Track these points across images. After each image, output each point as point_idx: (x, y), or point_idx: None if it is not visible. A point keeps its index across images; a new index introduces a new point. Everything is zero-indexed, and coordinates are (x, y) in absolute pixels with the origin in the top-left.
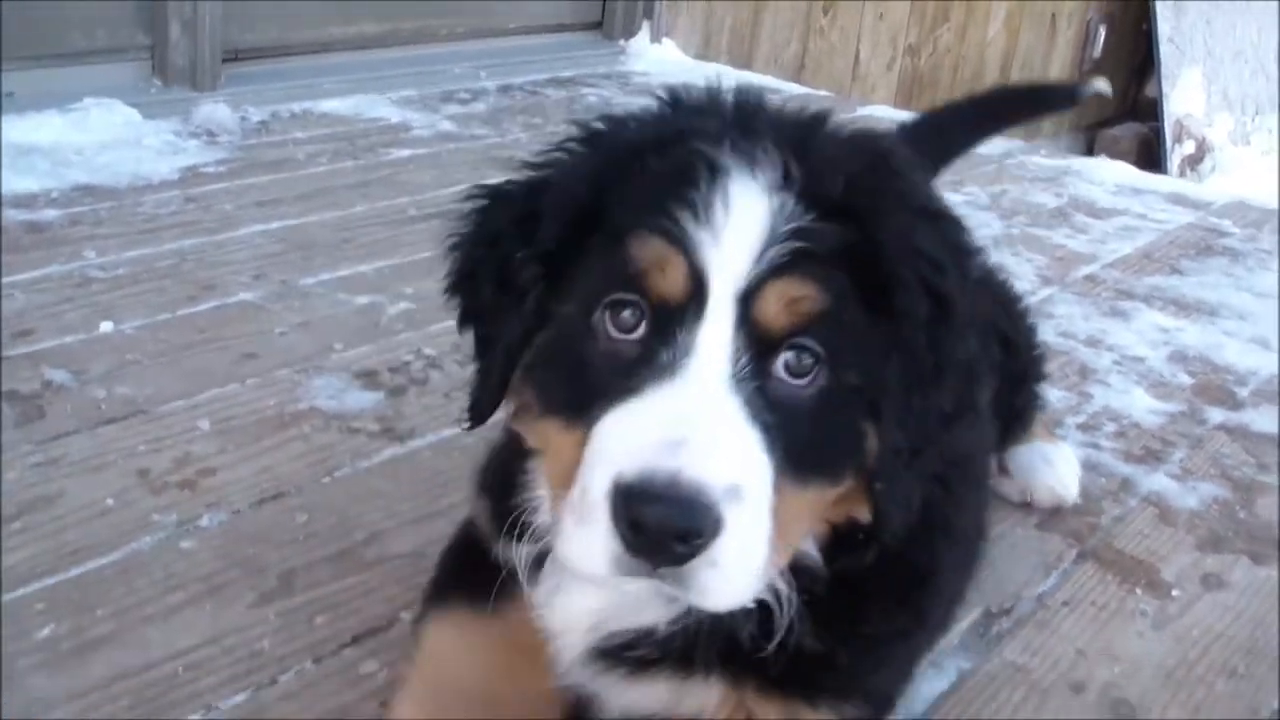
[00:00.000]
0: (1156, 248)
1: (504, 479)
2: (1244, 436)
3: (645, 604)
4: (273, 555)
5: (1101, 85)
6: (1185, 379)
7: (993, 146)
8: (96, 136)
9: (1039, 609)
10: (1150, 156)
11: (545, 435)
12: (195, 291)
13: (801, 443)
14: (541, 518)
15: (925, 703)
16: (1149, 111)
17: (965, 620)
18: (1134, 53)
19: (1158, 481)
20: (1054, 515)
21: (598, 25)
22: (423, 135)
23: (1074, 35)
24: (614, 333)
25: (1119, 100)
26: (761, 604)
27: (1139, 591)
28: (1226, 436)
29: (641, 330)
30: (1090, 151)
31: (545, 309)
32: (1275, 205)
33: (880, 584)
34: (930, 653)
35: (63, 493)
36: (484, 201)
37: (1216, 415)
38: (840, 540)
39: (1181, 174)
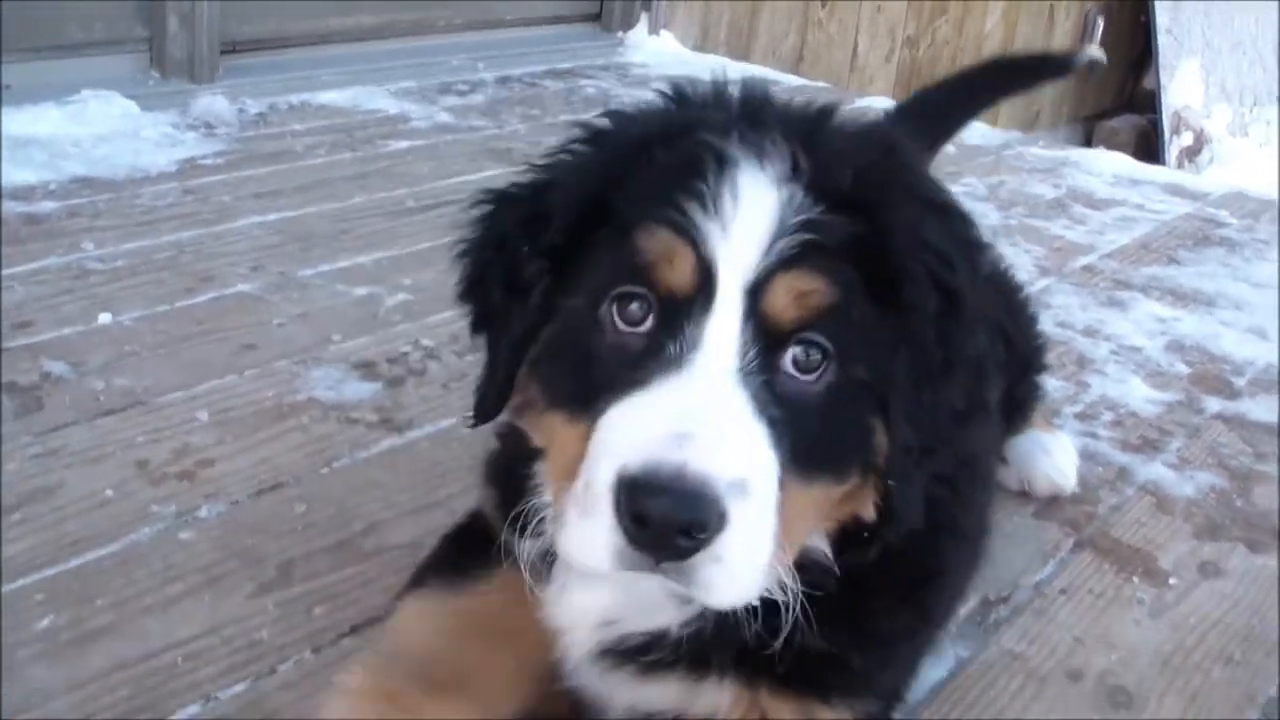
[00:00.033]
0: (1154, 238)
1: (509, 477)
2: (1241, 425)
3: (657, 606)
4: (271, 546)
5: (1095, 53)
6: (1182, 368)
7: (990, 138)
8: (94, 129)
9: (1036, 597)
10: (1148, 148)
11: (549, 429)
12: (193, 283)
13: (809, 439)
14: (548, 521)
15: (924, 690)
16: (1147, 103)
17: (963, 609)
18: (1132, 44)
19: (1155, 470)
20: (1051, 504)
21: (596, 17)
22: (421, 127)
23: (1072, 27)
24: (621, 325)
25: (1117, 92)
26: (768, 601)
27: (1136, 580)
28: (1223, 426)
29: (649, 323)
30: (1088, 143)
31: (551, 304)
32: (1272, 196)
33: (887, 582)
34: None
35: (62, 484)
36: (490, 205)
37: (1214, 404)
38: (845, 538)
39: (1180, 165)
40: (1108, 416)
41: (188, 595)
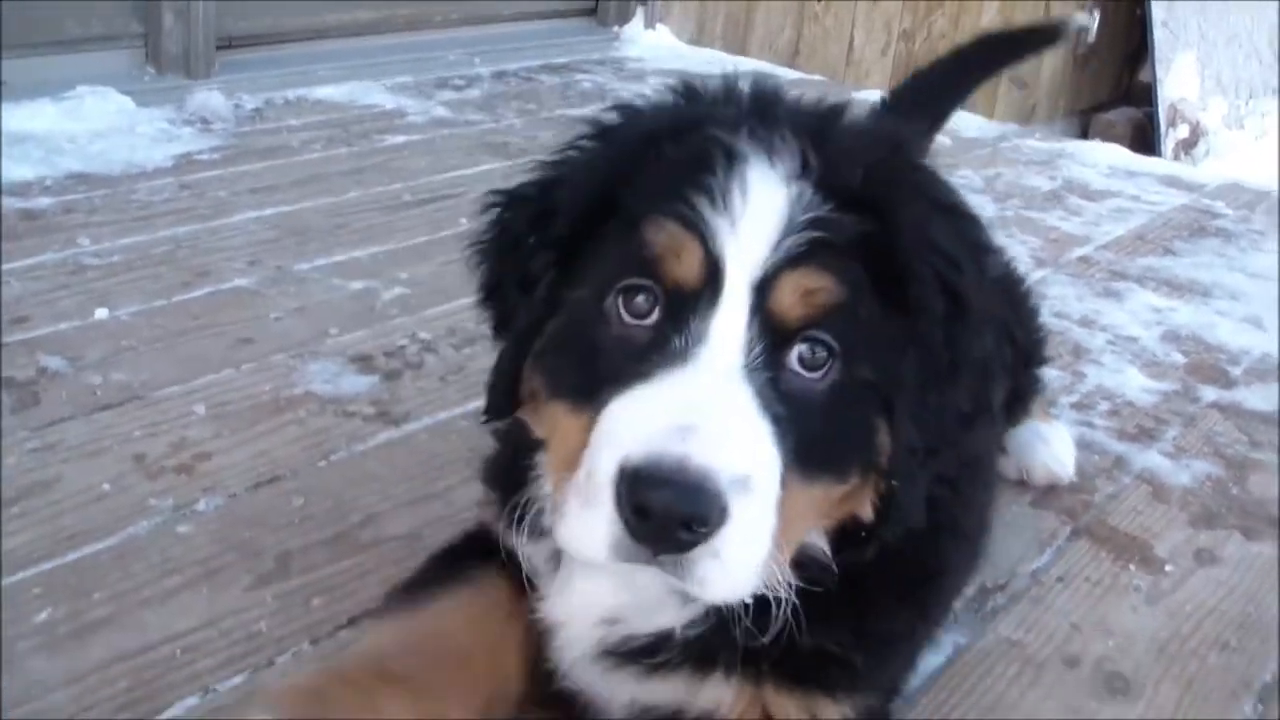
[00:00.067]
0: (1150, 229)
1: (509, 469)
2: (1236, 414)
3: (660, 605)
4: (269, 538)
5: (1083, 19)
6: (1178, 358)
7: (987, 130)
8: (90, 124)
9: (1033, 585)
10: (1145, 141)
11: (551, 419)
12: (190, 278)
13: (812, 437)
14: (548, 512)
15: (922, 678)
16: (1143, 96)
17: (961, 596)
18: (1128, 38)
19: (1151, 459)
20: (1048, 493)
21: (591, 12)
22: (417, 121)
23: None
24: (626, 318)
25: (1113, 86)
26: (765, 599)
27: (1132, 567)
28: (1219, 414)
29: (654, 316)
30: (1085, 136)
31: (557, 296)
32: (1268, 187)
33: (887, 581)
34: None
35: (59, 478)
36: (502, 207)
37: (1209, 394)
38: (843, 536)
39: (1176, 158)
40: (1104, 406)
41: (186, 588)
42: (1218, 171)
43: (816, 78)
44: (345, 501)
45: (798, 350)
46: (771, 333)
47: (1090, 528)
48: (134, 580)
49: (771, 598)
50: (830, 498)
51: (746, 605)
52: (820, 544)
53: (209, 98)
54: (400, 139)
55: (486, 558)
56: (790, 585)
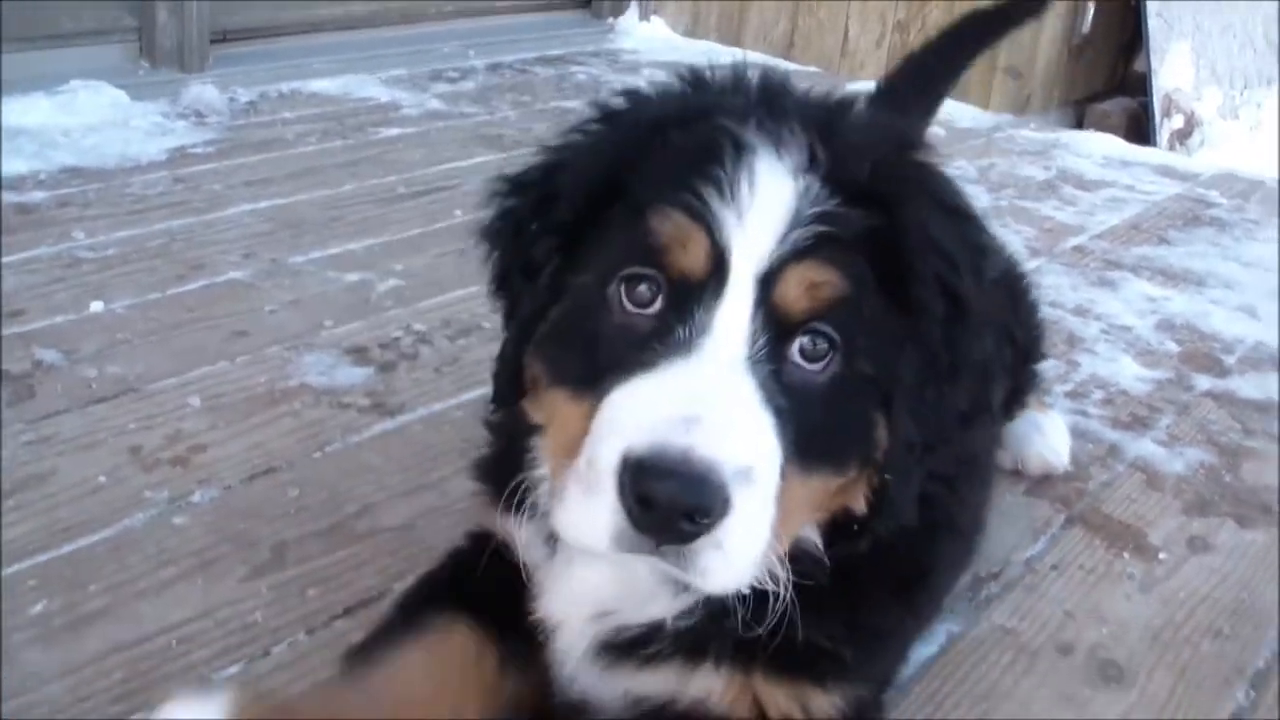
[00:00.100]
0: (1144, 219)
1: (505, 461)
2: (1230, 402)
3: (651, 595)
4: (264, 530)
5: None
6: (1172, 347)
7: (981, 121)
8: (84, 118)
9: (1027, 573)
10: (1140, 131)
11: (550, 406)
12: (185, 271)
13: (812, 429)
14: (543, 496)
15: (915, 666)
16: (1138, 86)
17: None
18: (1123, 28)
19: (1145, 447)
20: (1042, 481)
21: (586, 3)
22: (411, 114)
23: (1063, 10)
24: (629, 306)
25: (1108, 76)
26: (759, 590)
27: (1126, 555)
28: (1213, 403)
29: (657, 305)
30: (1080, 126)
31: (560, 283)
32: (1262, 176)
33: (879, 576)
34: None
35: (55, 471)
36: (507, 194)
37: (1203, 382)
38: (834, 529)
39: (1171, 148)
40: (1098, 395)
41: (181, 579)
42: (1212, 162)
43: (811, 69)
44: (340, 492)
45: (799, 342)
46: (775, 325)
47: (1084, 516)
48: (129, 572)
49: (770, 590)
50: (827, 490)
51: (743, 596)
52: (813, 537)
53: (203, 91)
54: (395, 131)
55: (452, 602)
56: (788, 576)
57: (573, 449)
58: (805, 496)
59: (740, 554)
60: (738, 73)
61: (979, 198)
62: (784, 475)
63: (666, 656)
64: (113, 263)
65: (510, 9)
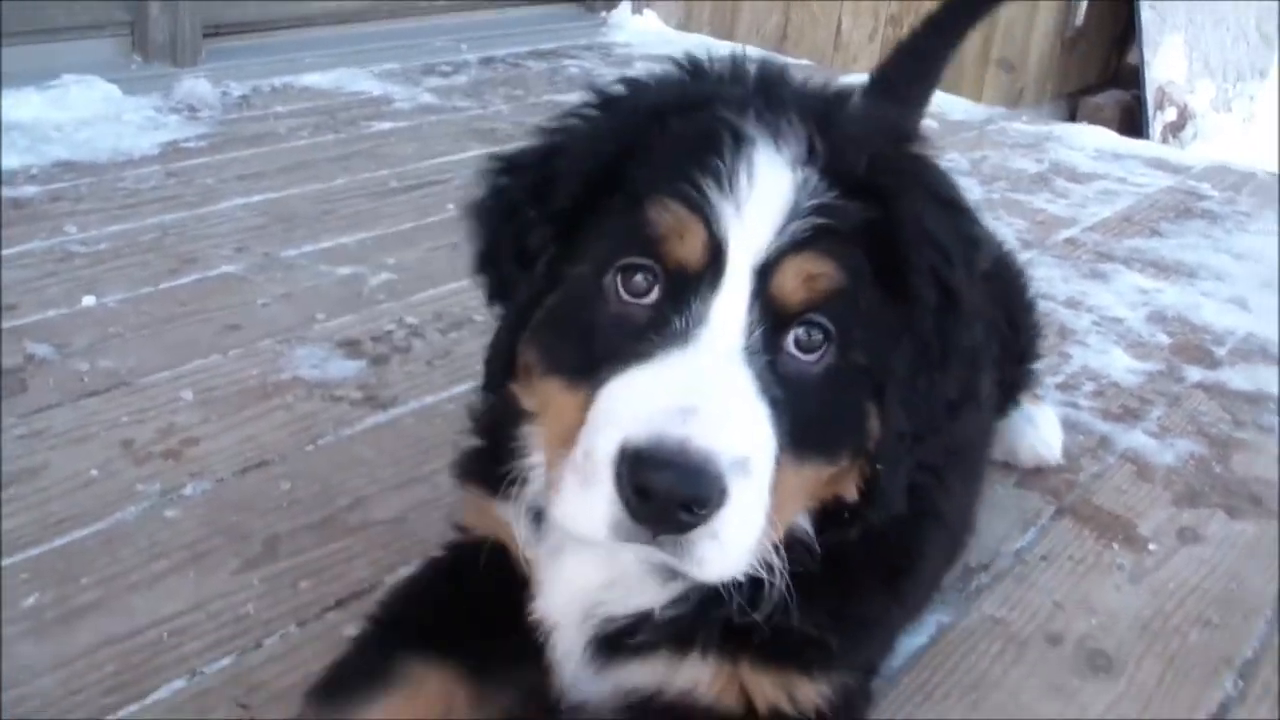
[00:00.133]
0: (1136, 211)
1: (494, 453)
2: (1221, 394)
3: (639, 586)
4: (256, 522)
5: None
6: (1163, 339)
7: (974, 114)
8: (76, 113)
9: (1017, 564)
10: (1133, 124)
11: (545, 394)
12: (177, 265)
13: (806, 420)
14: (535, 484)
15: (905, 656)
16: (1131, 79)
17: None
18: (1116, 20)
19: (1135, 439)
20: (1033, 472)
21: None
22: (404, 108)
23: (1056, 3)
24: (625, 296)
25: (1101, 69)
26: (751, 578)
27: (1116, 546)
28: (1204, 394)
29: (654, 295)
30: (1073, 119)
31: (556, 271)
32: (1254, 168)
33: (866, 564)
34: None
35: (47, 464)
36: (500, 173)
37: (1194, 374)
38: (825, 517)
39: (1164, 141)
40: (1089, 386)
41: (173, 572)
42: (1205, 154)
43: (804, 63)
44: (332, 485)
45: (795, 333)
46: (772, 316)
47: (1074, 507)
48: (121, 565)
49: (765, 578)
50: (820, 479)
51: (738, 584)
52: (804, 525)
53: (196, 85)
54: (387, 125)
55: (420, 641)
56: (783, 564)
57: (568, 438)
58: (799, 486)
59: (736, 543)
60: (736, 62)
61: (971, 190)
62: (778, 465)
63: (655, 647)
64: (105, 257)
65: (503, 2)
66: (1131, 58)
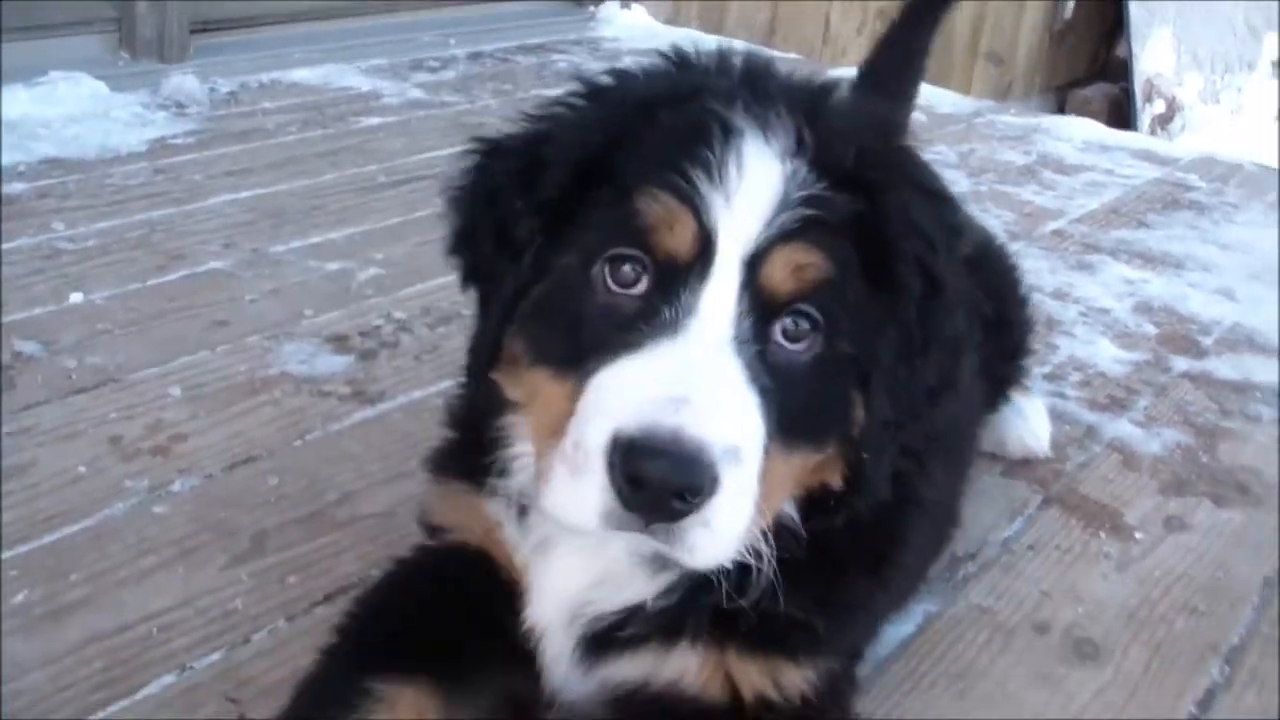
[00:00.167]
0: (1123, 202)
1: (473, 448)
2: (1207, 383)
3: (629, 579)
4: (245, 518)
5: None
6: (1150, 329)
7: (961, 106)
8: (63, 110)
9: (1004, 553)
10: (1121, 116)
11: (532, 385)
12: (165, 261)
13: (794, 408)
14: (519, 475)
15: (893, 645)
16: (1120, 72)
17: (932, 567)
18: (1104, 14)
19: (1122, 428)
20: (1020, 462)
21: None
22: (392, 103)
23: None
24: (613, 287)
25: (1090, 61)
26: (740, 565)
27: (1103, 535)
28: (1190, 384)
29: (642, 286)
30: (1062, 112)
31: (544, 262)
32: (1240, 159)
33: (847, 550)
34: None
35: (35, 461)
36: (481, 156)
37: (1181, 364)
38: (811, 505)
39: (1152, 133)
40: (1076, 376)
41: (162, 568)
42: (1193, 146)
43: (793, 56)
44: (321, 480)
45: (782, 323)
46: (761, 306)
47: (1061, 496)
48: (110, 561)
49: (753, 565)
50: (806, 467)
51: (727, 571)
52: (791, 512)
53: (183, 82)
54: (375, 121)
55: (388, 656)
56: (772, 551)
57: (557, 429)
58: (787, 473)
59: (727, 530)
60: (722, 55)
61: (959, 183)
62: (767, 453)
63: (644, 640)
64: (93, 254)
65: None
66: (1120, 51)
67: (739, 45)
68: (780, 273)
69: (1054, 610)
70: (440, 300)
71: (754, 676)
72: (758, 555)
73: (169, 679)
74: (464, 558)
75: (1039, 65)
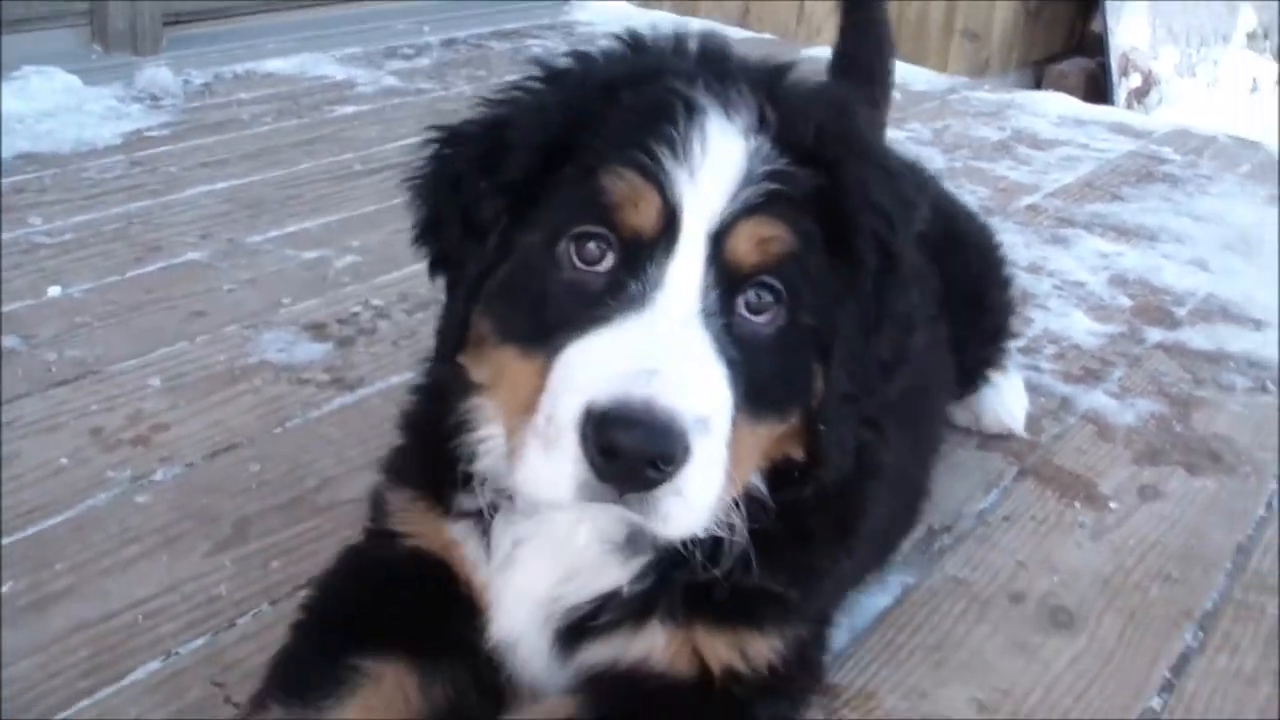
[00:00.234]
0: (1098, 176)
1: (433, 452)
2: (1181, 354)
3: (600, 568)
4: (227, 505)
5: None
6: (1125, 301)
7: (936, 83)
8: (37, 104)
9: (980, 525)
10: (1098, 91)
11: (500, 364)
12: (142, 253)
13: (760, 379)
14: (488, 459)
15: (870, 617)
16: (1096, 46)
17: (908, 539)
18: None
19: (1096, 399)
20: (996, 436)
21: None
22: (367, 91)
23: None
24: (579, 264)
25: (1066, 36)
26: (714, 537)
27: (1078, 505)
28: (1164, 354)
29: (608, 262)
30: (1038, 87)
31: (508, 242)
32: (1215, 131)
33: (814, 519)
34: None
35: (17, 454)
36: (442, 144)
37: (1155, 335)
38: (778, 477)
39: (1129, 107)
40: (1051, 350)
41: (145, 556)
42: (1168, 119)
43: (767, 37)
44: (301, 466)
45: (746, 296)
46: (726, 279)
47: (1036, 468)
48: (94, 550)
49: (725, 536)
50: (772, 437)
51: (699, 542)
52: (759, 484)
53: (157, 74)
54: (350, 109)
55: (370, 633)
56: (744, 522)
57: (527, 406)
58: (754, 444)
59: (699, 499)
60: (679, 36)
61: (934, 160)
62: (734, 424)
63: (617, 624)
64: (70, 247)
65: None
66: (1095, 25)
67: (695, 27)
68: (745, 245)
69: (1029, 580)
70: (417, 286)
71: (721, 649)
72: (730, 527)
73: (155, 665)
74: (422, 561)
75: (1015, 41)
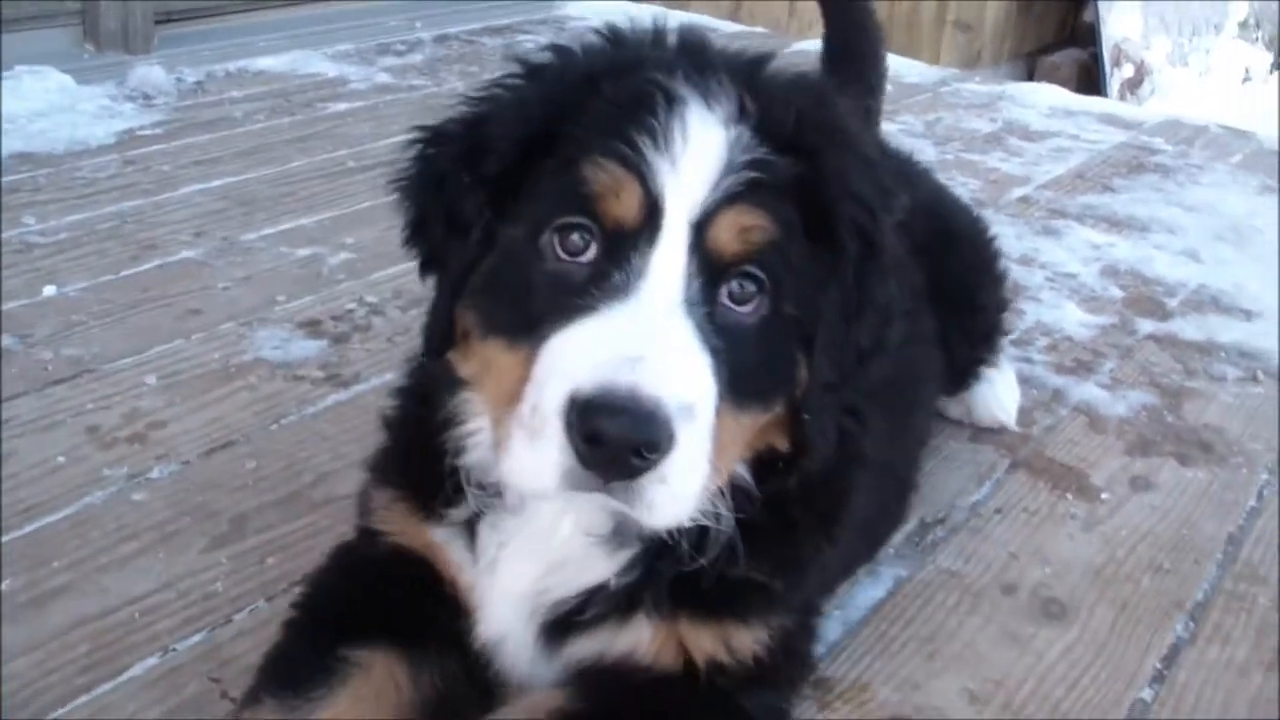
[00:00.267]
0: (1089, 167)
1: (418, 453)
2: (1173, 345)
3: (586, 562)
4: (223, 501)
5: None
6: (1116, 292)
7: (927, 76)
8: (30, 104)
9: (972, 517)
10: (1091, 82)
11: (485, 356)
12: (137, 252)
13: (743, 368)
14: (477, 453)
15: (863, 609)
16: (1088, 37)
17: (901, 531)
18: None
19: (1088, 391)
20: (987, 429)
21: None
22: (359, 88)
23: None
24: (562, 255)
25: (1058, 27)
26: (700, 527)
27: (1069, 496)
28: (1155, 345)
29: (591, 253)
30: (1031, 79)
31: (491, 236)
32: (1205, 121)
33: (799, 509)
34: (866, 565)
35: (14, 453)
36: (426, 144)
37: (1146, 326)
38: (761, 466)
39: (1122, 98)
40: (1042, 341)
41: (142, 553)
42: (1159, 109)
43: (759, 30)
44: (297, 463)
45: (729, 285)
46: (709, 268)
47: (1028, 460)
48: (91, 547)
49: (711, 526)
50: (756, 426)
51: (685, 532)
52: (743, 474)
53: (149, 73)
54: (343, 106)
55: (359, 624)
56: (729, 511)
57: (513, 397)
58: (738, 433)
59: (684, 488)
60: (658, 29)
61: (925, 152)
62: (718, 413)
63: (604, 618)
64: (65, 246)
65: None
66: (1087, 16)
67: (675, 19)
68: (727, 234)
69: (1021, 571)
70: (411, 283)
71: (705, 642)
72: (715, 517)
73: (152, 661)
74: (406, 560)
75: (1008, 32)
